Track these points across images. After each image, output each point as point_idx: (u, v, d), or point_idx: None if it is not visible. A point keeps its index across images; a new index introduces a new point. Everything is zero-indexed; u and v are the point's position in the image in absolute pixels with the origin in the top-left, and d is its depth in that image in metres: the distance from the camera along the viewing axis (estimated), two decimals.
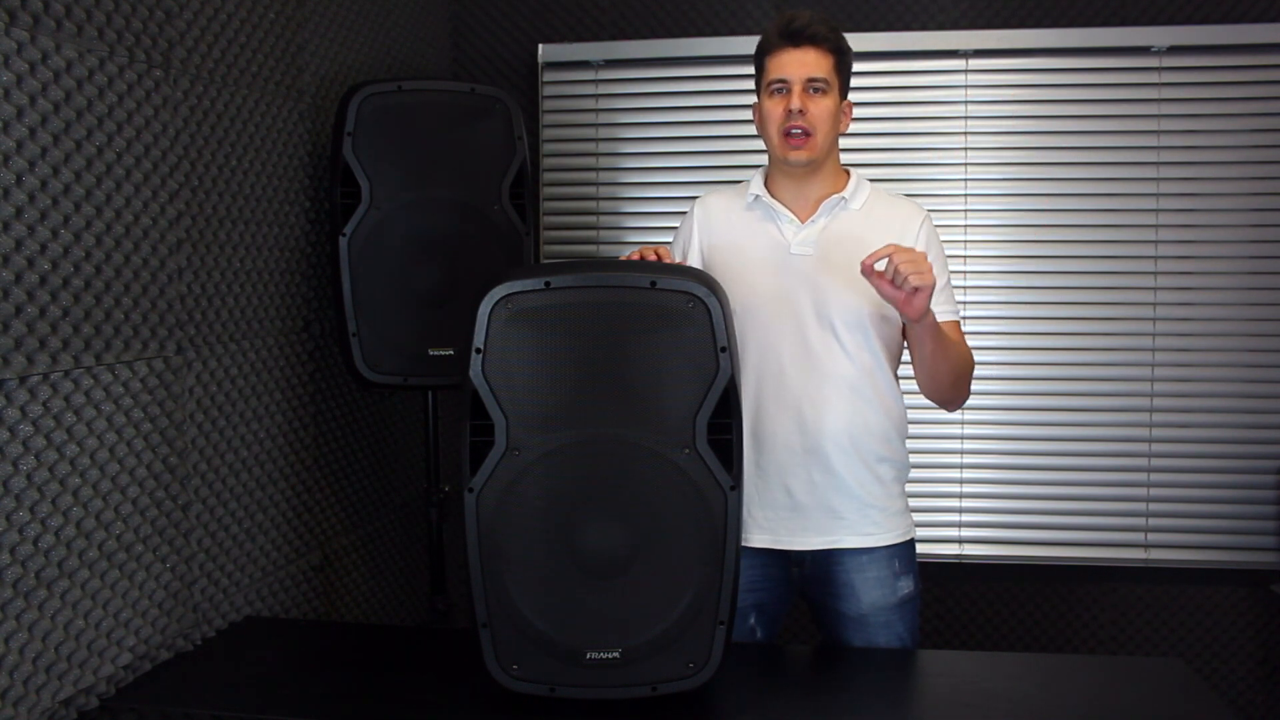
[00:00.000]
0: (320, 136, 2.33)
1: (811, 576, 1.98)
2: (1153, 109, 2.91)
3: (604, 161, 3.16)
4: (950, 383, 1.93)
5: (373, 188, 2.24)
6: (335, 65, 2.41)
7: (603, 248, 3.17)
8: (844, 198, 1.94)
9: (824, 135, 1.89)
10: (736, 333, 1.89)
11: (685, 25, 3.10)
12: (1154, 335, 2.95)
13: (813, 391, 1.91)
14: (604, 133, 3.14)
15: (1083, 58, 2.92)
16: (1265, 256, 2.91)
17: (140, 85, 1.72)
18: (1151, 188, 2.93)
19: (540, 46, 3.12)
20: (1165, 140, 2.91)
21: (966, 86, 2.98)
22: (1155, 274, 2.94)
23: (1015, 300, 3.00)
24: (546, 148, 3.14)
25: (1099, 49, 2.91)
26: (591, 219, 3.17)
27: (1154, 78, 2.91)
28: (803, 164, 1.90)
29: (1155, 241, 2.94)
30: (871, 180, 2.02)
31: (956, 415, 2.97)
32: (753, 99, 2.02)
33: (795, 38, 1.88)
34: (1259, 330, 2.92)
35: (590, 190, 3.17)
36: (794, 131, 1.88)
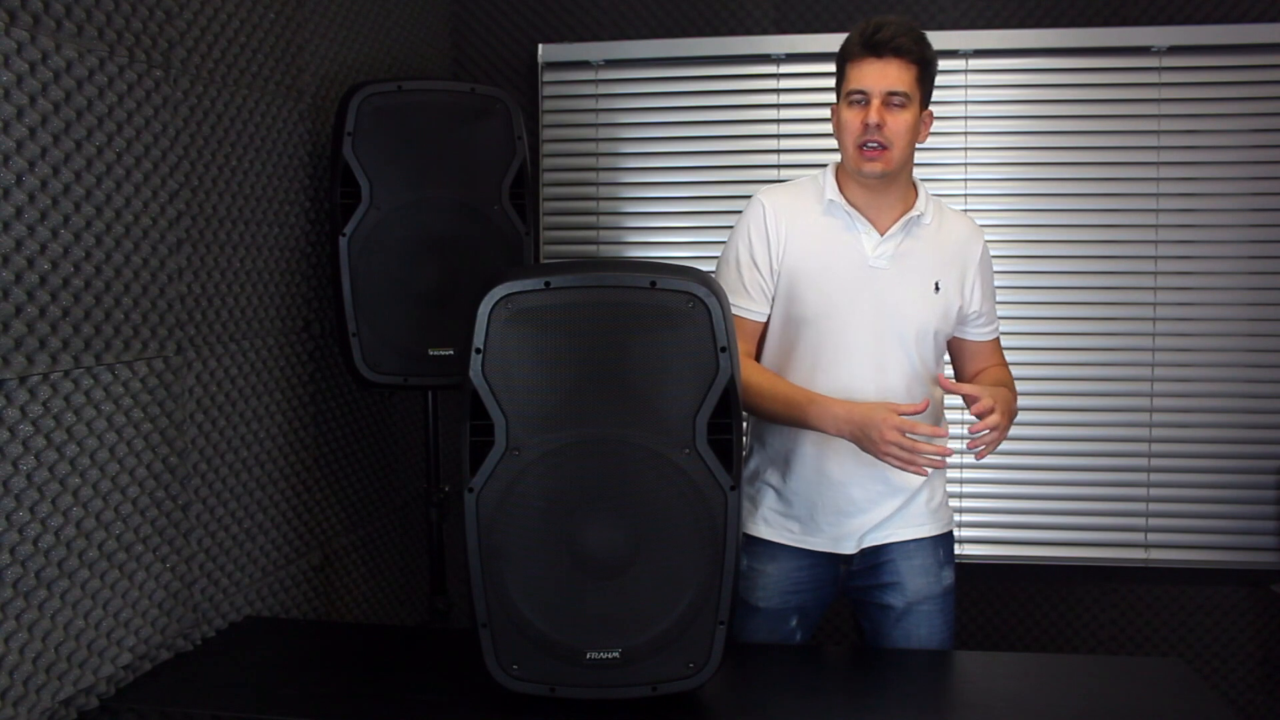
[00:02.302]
0: (320, 136, 2.33)
1: (859, 571, 2.01)
2: (1153, 109, 2.91)
3: (604, 161, 3.16)
4: None
5: (373, 188, 2.24)
6: (335, 65, 2.41)
7: (603, 248, 3.17)
8: (920, 213, 1.94)
9: (900, 150, 1.86)
10: (805, 338, 1.93)
11: (685, 25, 3.10)
12: (1154, 335, 2.95)
13: (876, 399, 1.92)
14: (604, 133, 3.14)
15: (1083, 58, 2.93)
16: (1265, 256, 2.91)
17: (140, 85, 1.72)
18: (1151, 188, 2.93)
19: (540, 46, 3.12)
20: (1165, 140, 2.91)
21: (966, 86, 2.98)
22: (1155, 274, 2.95)
23: (1015, 300, 3.00)
24: (546, 148, 3.14)
25: (1099, 49, 2.91)
26: (591, 219, 3.17)
27: (1154, 78, 2.91)
28: (876, 176, 1.88)
29: (1155, 241, 2.94)
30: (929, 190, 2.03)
31: (956, 415, 2.97)
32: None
33: (878, 48, 1.84)
34: (1259, 330, 2.93)
35: (590, 190, 3.17)
36: (870, 145, 1.85)
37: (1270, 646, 3.00)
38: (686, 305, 1.52)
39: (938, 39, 2.92)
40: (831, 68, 1.96)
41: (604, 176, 3.16)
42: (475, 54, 3.19)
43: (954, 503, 3.00)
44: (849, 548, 1.98)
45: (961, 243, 1.99)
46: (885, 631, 2.01)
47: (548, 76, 3.13)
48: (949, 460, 1.81)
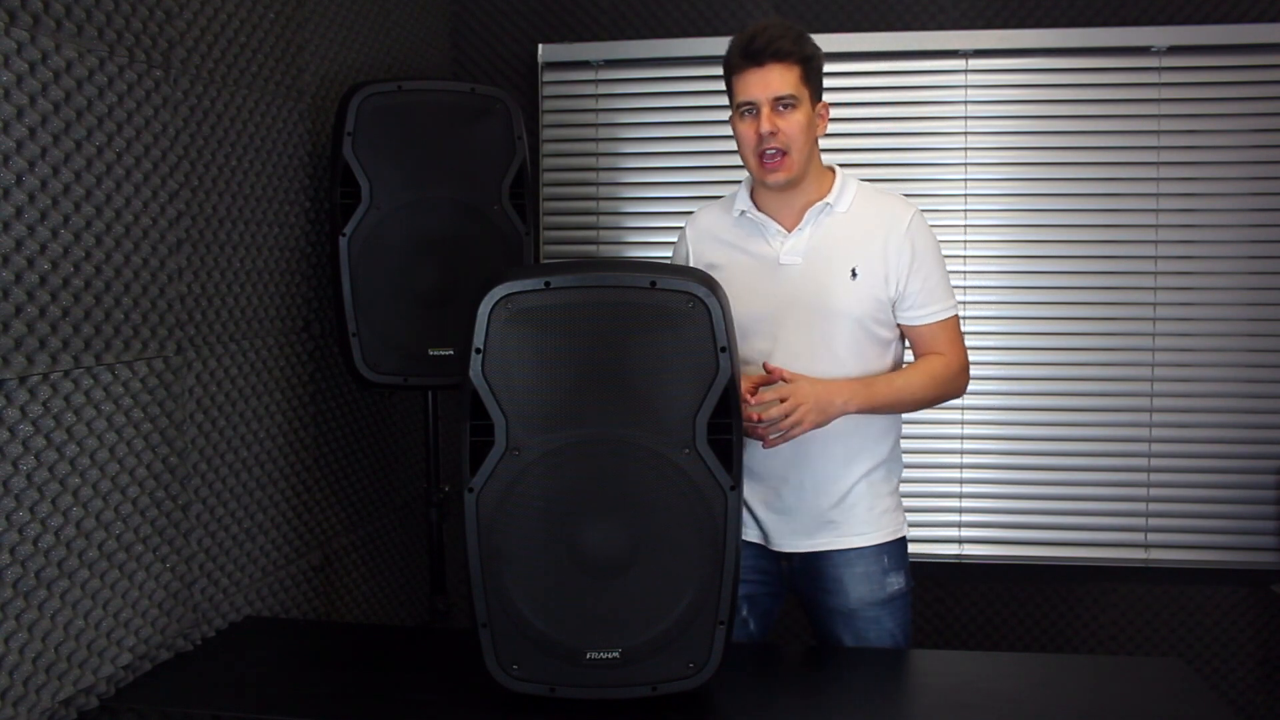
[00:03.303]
0: (320, 136, 2.33)
1: (800, 571, 2.00)
2: (1153, 109, 2.91)
3: (604, 161, 3.16)
4: (926, 405, 1.97)
5: (373, 188, 2.24)
6: (335, 65, 2.41)
7: (603, 248, 3.17)
8: (829, 203, 1.94)
9: (799, 150, 1.88)
10: (741, 350, 1.90)
11: (685, 25, 3.10)
12: (1154, 335, 2.95)
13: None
14: (604, 133, 3.14)
15: (1083, 58, 2.92)
16: (1265, 256, 2.91)
17: (140, 85, 1.72)
18: (1151, 188, 2.93)
19: (540, 46, 3.12)
20: (1165, 140, 2.91)
21: (966, 86, 2.98)
22: (1155, 274, 2.94)
23: (1015, 300, 3.00)
24: (546, 148, 3.14)
25: (1099, 49, 2.91)
26: (591, 219, 3.17)
27: (1154, 78, 2.91)
28: (782, 184, 1.90)
29: (1155, 241, 2.94)
30: (869, 180, 2.02)
31: (956, 415, 2.97)
32: None
33: (757, 56, 1.86)
34: (1259, 330, 2.92)
35: (590, 190, 3.17)
36: (769, 153, 1.87)
37: (1270, 646, 3.00)
38: (686, 305, 1.52)
39: (938, 39, 2.96)
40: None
41: (604, 176, 3.16)
42: (475, 54, 3.19)
43: (954, 503, 3.04)
44: (784, 547, 1.98)
45: (883, 222, 1.92)
46: (833, 633, 1.99)
47: (548, 76, 3.13)
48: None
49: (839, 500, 1.94)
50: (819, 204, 1.93)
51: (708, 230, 2.04)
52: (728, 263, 1.98)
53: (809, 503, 1.94)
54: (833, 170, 1.99)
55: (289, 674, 1.80)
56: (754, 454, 1.93)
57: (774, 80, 1.86)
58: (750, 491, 1.97)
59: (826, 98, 1.97)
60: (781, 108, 1.86)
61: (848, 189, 1.96)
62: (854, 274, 1.90)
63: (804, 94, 1.88)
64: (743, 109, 1.90)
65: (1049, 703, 1.66)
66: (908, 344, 2.02)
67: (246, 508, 2.05)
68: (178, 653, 1.83)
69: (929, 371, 1.93)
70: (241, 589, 2.03)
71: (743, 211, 1.98)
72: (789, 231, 1.94)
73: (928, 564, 2.98)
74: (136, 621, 1.72)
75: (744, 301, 1.91)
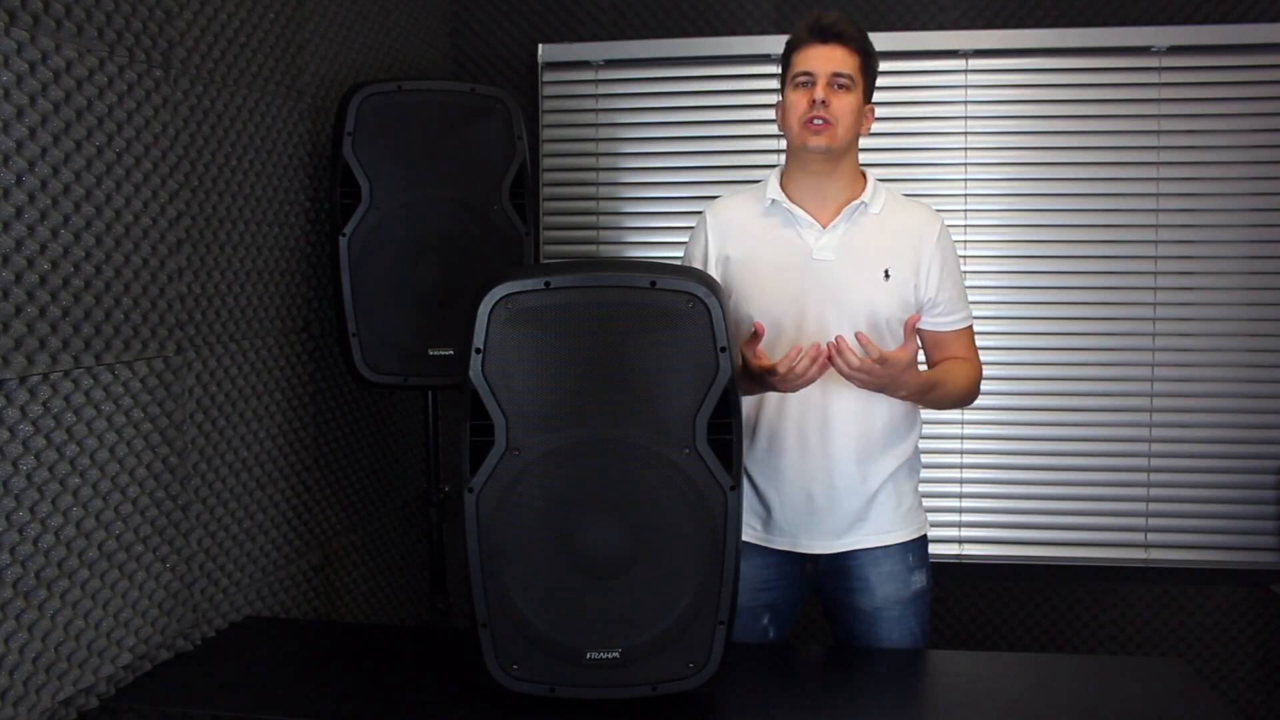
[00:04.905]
0: (320, 136, 2.33)
1: (826, 572, 2.00)
2: (1153, 109, 2.91)
3: (604, 161, 3.16)
4: (951, 405, 2.05)
5: (373, 188, 2.24)
6: (335, 65, 2.41)
7: (603, 248, 3.17)
8: (864, 203, 1.94)
9: (845, 128, 1.88)
10: (763, 340, 1.90)
11: (685, 25, 3.10)
12: (1154, 335, 2.95)
13: (833, 396, 1.92)
14: (604, 133, 3.14)
15: (1083, 58, 2.93)
16: (1265, 256, 2.91)
17: (140, 85, 1.72)
18: (1151, 188, 2.93)
19: (540, 46, 3.12)
20: (1165, 140, 2.91)
21: (966, 86, 2.98)
22: (1155, 274, 2.94)
23: (1015, 300, 3.00)
24: (546, 148, 3.14)
25: (1099, 49, 2.91)
26: (591, 219, 3.17)
27: (1154, 78, 2.91)
28: (822, 150, 1.88)
29: (1155, 241, 2.94)
30: (879, 180, 2.02)
31: (956, 415, 2.97)
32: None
33: (823, 34, 1.88)
34: (1259, 330, 2.93)
35: (590, 190, 3.17)
36: (815, 120, 1.87)
37: (1270, 646, 3.00)
38: (686, 305, 1.52)
39: (938, 39, 2.97)
40: None
41: (604, 176, 3.16)
42: (475, 54, 3.19)
43: (954, 503, 3.04)
44: (813, 548, 1.97)
45: (915, 228, 1.95)
46: (856, 632, 2.00)
47: (548, 76, 3.13)
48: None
49: (869, 498, 1.95)
50: (855, 203, 1.93)
51: (733, 219, 2.01)
52: (754, 252, 1.96)
53: (840, 502, 1.94)
54: (864, 173, 2.00)
55: (289, 674, 1.80)
56: (786, 457, 1.95)
57: (836, 57, 1.87)
58: (780, 494, 1.97)
59: None
60: (837, 85, 1.87)
61: (879, 192, 1.97)
62: (887, 275, 1.91)
63: (859, 82, 1.89)
64: (799, 80, 1.90)
65: (1049, 703, 1.67)
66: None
67: (246, 508, 2.05)
68: (178, 653, 1.83)
69: (959, 377, 1.97)
70: (241, 589, 2.03)
71: (774, 200, 1.96)
72: (823, 227, 1.94)
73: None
74: (136, 621, 1.72)
75: (769, 294, 1.92)
